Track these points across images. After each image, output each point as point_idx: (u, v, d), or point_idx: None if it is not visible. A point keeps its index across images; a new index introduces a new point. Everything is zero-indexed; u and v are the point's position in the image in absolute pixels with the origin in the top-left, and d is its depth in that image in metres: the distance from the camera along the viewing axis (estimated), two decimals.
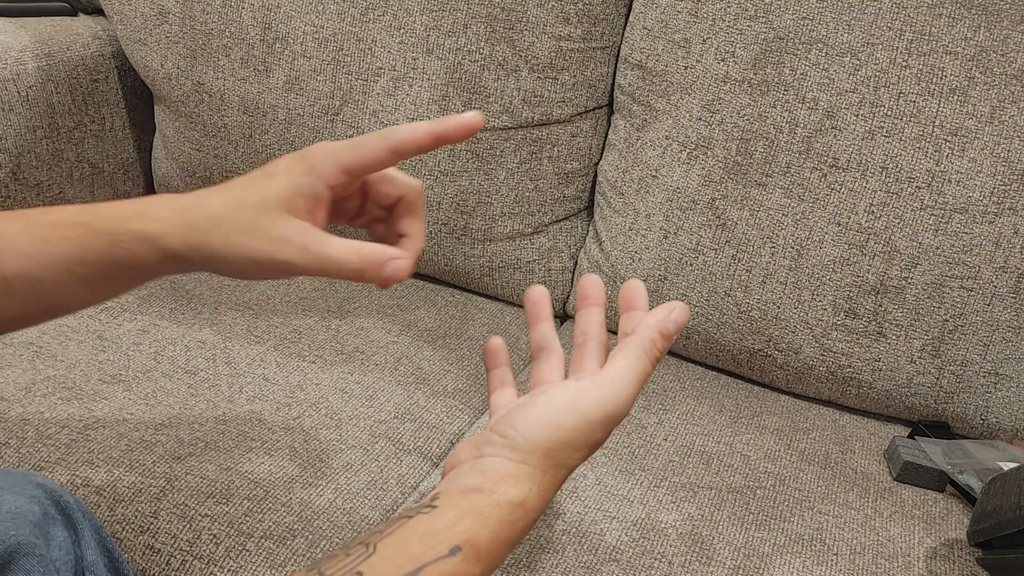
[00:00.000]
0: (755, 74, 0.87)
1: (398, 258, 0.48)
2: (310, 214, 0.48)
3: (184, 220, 0.47)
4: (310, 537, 0.65)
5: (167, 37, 1.04)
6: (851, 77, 0.84)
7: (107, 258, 0.47)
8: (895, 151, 0.83)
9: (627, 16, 0.97)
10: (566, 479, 0.46)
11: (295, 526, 0.66)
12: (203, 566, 0.62)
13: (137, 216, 0.47)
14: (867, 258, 0.85)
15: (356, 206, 0.53)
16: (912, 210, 0.84)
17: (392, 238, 0.53)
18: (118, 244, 0.47)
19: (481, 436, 0.47)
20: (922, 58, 0.82)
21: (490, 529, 0.41)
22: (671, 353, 1.00)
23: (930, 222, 0.83)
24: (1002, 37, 0.80)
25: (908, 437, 0.87)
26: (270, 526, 0.66)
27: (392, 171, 0.52)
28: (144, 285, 0.95)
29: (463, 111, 0.96)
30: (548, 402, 0.45)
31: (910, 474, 0.81)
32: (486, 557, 0.41)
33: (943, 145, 0.82)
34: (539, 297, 0.55)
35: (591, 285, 0.53)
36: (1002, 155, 0.81)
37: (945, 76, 0.82)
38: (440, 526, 0.40)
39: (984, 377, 0.86)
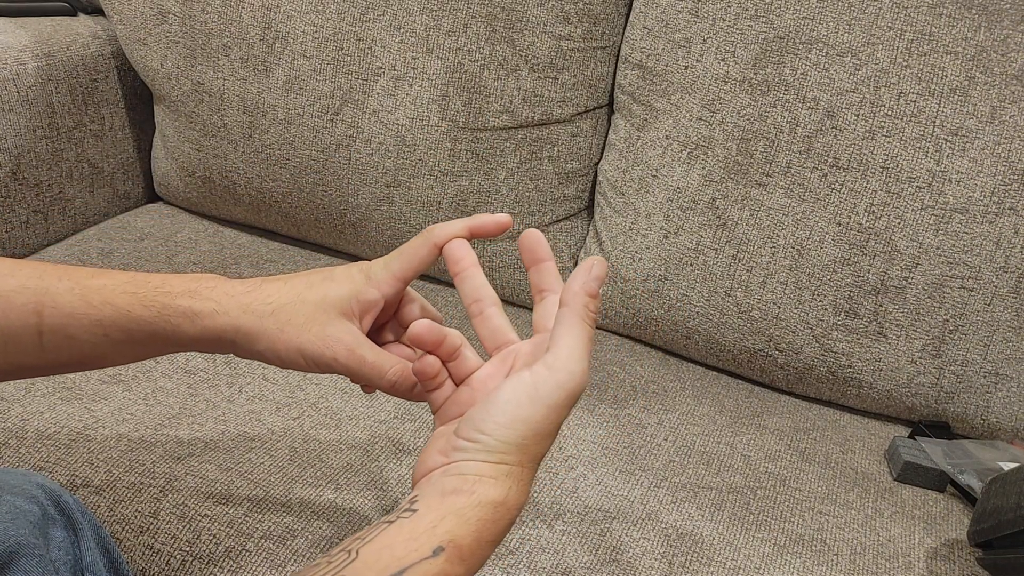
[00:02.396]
0: (755, 74, 0.87)
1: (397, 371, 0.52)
2: (360, 320, 0.52)
3: (238, 304, 0.50)
4: (310, 537, 0.65)
5: (167, 37, 1.04)
6: (851, 77, 0.84)
7: (148, 328, 0.50)
8: (895, 151, 0.83)
9: (627, 16, 0.97)
10: (537, 470, 0.46)
11: (295, 526, 0.66)
12: (203, 566, 0.62)
13: (187, 293, 0.50)
14: (867, 258, 0.85)
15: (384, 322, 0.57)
16: (912, 210, 0.83)
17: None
18: (163, 317, 0.50)
19: (447, 442, 0.46)
20: (922, 58, 0.82)
21: (472, 529, 0.41)
22: (671, 353, 1.00)
23: (930, 222, 0.83)
24: (1002, 37, 0.80)
25: (908, 437, 0.87)
26: (270, 526, 0.66)
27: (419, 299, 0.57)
28: None
29: (461, 111, 0.96)
30: (509, 399, 0.44)
31: (910, 474, 0.81)
32: (469, 557, 0.41)
33: (943, 145, 0.82)
34: (535, 238, 0.53)
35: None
36: (1002, 155, 0.81)
37: (945, 76, 0.82)
38: (422, 528, 0.40)
39: (984, 377, 0.86)
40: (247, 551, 0.64)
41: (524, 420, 0.44)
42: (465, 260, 0.54)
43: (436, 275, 1.07)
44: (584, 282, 0.46)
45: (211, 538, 0.64)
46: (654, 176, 0.94)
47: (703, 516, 0.73)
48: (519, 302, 1.06)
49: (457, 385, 0.52)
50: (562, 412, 0.44)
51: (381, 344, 0.56)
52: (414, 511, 0.42)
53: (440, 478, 0.44)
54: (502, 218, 0.55)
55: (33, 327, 0.49)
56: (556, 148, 0.99)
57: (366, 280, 0.53)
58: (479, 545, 0.41)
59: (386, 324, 0.57)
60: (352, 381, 0.53)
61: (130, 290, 0.50)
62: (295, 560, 0.64)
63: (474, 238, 0.56)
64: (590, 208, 1.05)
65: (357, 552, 0.39)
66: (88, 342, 0.50)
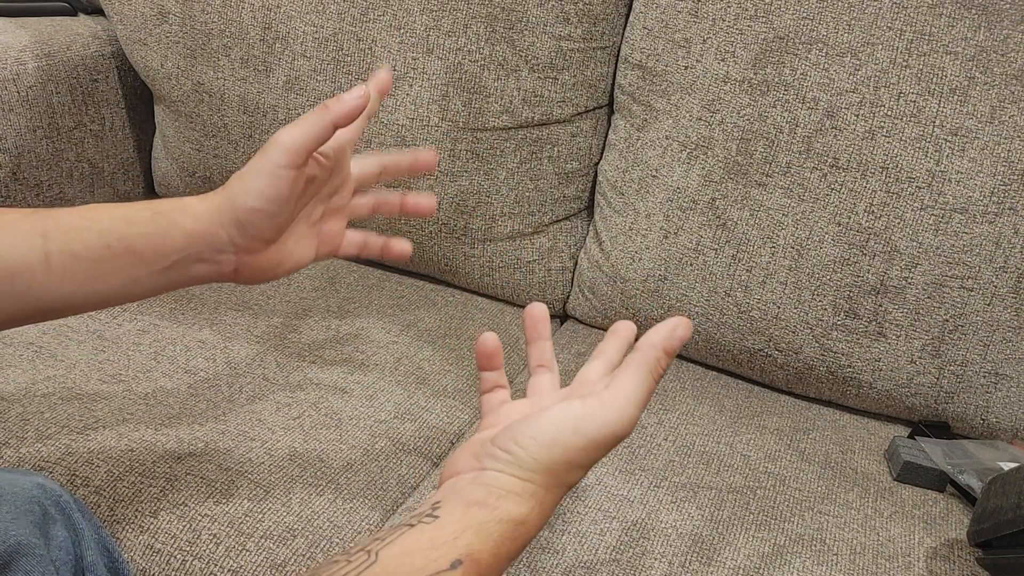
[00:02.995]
0: (755, 74, 0.87)
1: (354, 89, 0.54)
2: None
3: (210, 194, 0.54)
4: (310, 537, 0.65)
5: (167, 37, 1.04)
6: (851, 77, 0.84)
7: (147, 228, 0.52)
8: (895, 151, 0.83)
9: (627, 16, 0.97)
10: (563, 497, 0.46)
11: (295, 526, 0.66)
12: (203, 566, 0.62)
13: (173, 199, 0.54)
14: (867, 258, 0.85)
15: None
16: (912, 210, 0.84)
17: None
18: (160, 213, 0.53)
19: (481, 447, 0.46)
20: (922, 58, 0.82)
21: (492, 545, 0.41)
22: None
23: (930, 222, 0.83)
24: (1002, 37, 0.80)
25: (908, 437, 0.87)
26: (270, 526, 0.66)
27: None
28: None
29: (461, 111, 0.96)
30: (554, 421, 0.44)
31: (910, 474, 0.81)
32: (486, 572, 0.41)
33: (943, 145, 0.82)
34: (540, 315, 0.56)
35: (540, 319, 0.57)
36: (1002, 155, 0.81)
37: (945, 76, 0.82)
38: (443, 538, 0.40)
39: (984, 377, 0.86)
40: (247, 551, 0.64)
41: (562, 445, 0.44)
42: (540, 328, 0.57)
43: (437, 275, 1.07)
44: (666, 339, 0.47)
45: (211, 538, 0.64)
46: (654, 176, 0.94)
47: (703, 516, 0.73)
48: (519, 302, 1.06)
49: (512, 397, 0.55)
50: (601, 450, 0.45)
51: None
52: (436, 517, 0.42)
53: (467, 486, 0.44)
54: (423, 158, 0.61)
55: (39, 250, 0.50)
56: (556, 148, 0.99)
57: (265, 150, 0.55)
58: (496, 561, 0.41)
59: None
60: (305, 152, 0.53)
61: (128, 204, 0.54)
62: (295, 560, 0.64)
63: (385, 176, 0.63)
64: (590, 208, 1.05)
65: (377, 555, 0.39)
66: (92, 259, 0.51)
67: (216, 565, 0.62)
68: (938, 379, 0.87)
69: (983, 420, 0.87)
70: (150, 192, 1.21)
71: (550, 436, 0.44)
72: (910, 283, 0.85)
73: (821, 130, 0.85)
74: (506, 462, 0.44)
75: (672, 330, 0.47)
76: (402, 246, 0.66)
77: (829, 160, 0.85)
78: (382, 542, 0.40)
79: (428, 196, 0.65)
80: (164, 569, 0.63)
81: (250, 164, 0.53)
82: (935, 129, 0.82)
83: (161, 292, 0.55)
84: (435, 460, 0.79)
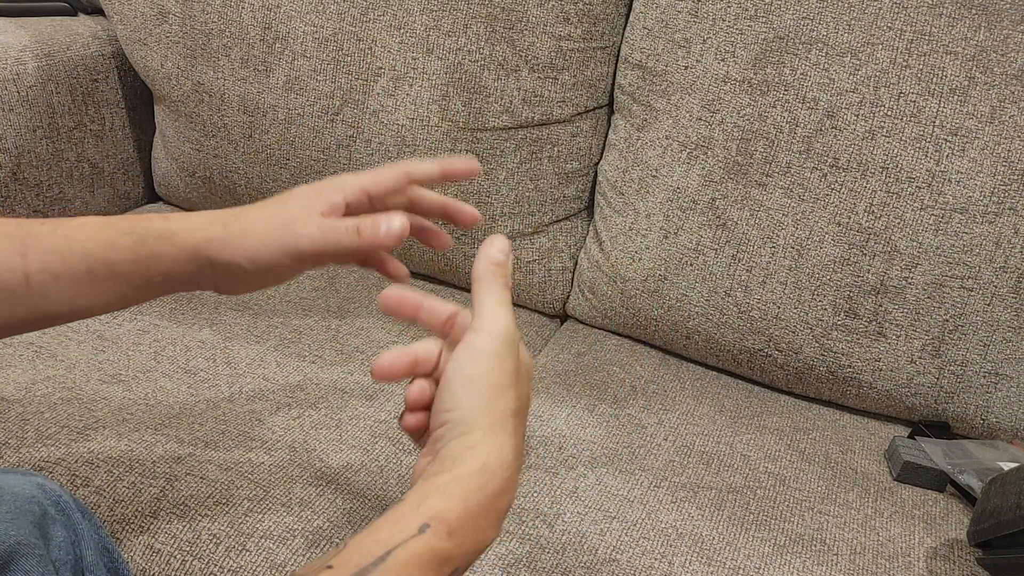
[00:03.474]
0: (755, 74, 0.87)
1: (391, 216, 0.53)
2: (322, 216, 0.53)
3: (208, 218, 0.53)
4: (310, 537, 0.66)
5: (167, 37, 1.04)
6: (851, 77, 0.84)
7: (130, 256, 0.52)
8: (895, 151, 0.83)
9: (627, 16, 0.97)
10: (524, 422, 0.46)
11: (295, 526, 0.66)
12: (203, 566, 0.62)
13: (162, 219, 0.53)
14: (867, 258, 0.85)
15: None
16: (912, 210, 0.83)
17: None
18: (143, 242, 0.52)
19: (428, 443, 0.46)
20: (922, 58, 0.82)
21: (457, 501, 0.41)
22: (671, 353, 1.00)
23: (930, 222, 0.83)
24: (1002, 37, 0.80)
25: (908, 437, 0.87)
26: (270, 526, 0.66)
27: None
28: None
29: (461, 111, 0.96)
30: (456, 369, 0.45)
31: (910, 474, 0.81)
32: (459, 529, 0.40)
33: (943, 145, 0.82)
34: (394, 301, 0.51)
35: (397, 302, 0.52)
36: (1002, 155, 0.81)
37: (945, 76, 0.82)
38: (406, 510, 0.40)
39: (984, 377, 0.86)
40: (247, 551, 0.64)
41: (473, 378, 0.44)
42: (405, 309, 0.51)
43: (437, 275, 1.07)
44: (486, 255, 0.49)
45: (211, 538, 0.64)
46: (654, 176, 0.94)
47: (703, 516, 0.73)
48: (519, 302, 1.06)
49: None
50: (506, 360, 0.45)
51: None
52: (401, 500, 0.42)
53: (425, 468, 0.44)
54: (471, 163, 0.59)
55: (20, 270, 0.50)
56: (556, 148, 0.99)
57: (331, 184, 0.55)
58: (469, 516, 0.41)
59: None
60: (319, 257, 0.53)
61: (110, 222, 0.53)
62: (295, 560, 0.64)
63: (445, 180, 0.59)
64: (590, 208, 1.05)
65: (346, 543, 0.39)
66: (72, 280, 0.51)
67: (216, 565, 0.62)
68: (938, 379, 0.87)
69: (983, 420, 0.87)
70: (150, 192, 1.21)
71: (460, 381, 0.44)
72: (910, 283, 0.85)
73: (821, 130, 0.85)
74: (448, 432, 0.44)
75: (489, 245, 0.49)
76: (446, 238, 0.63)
77: (829, 160, 0.85)
78: (353, 534, 0.40)
79: (470, 210, 0.62)
80: (164, 569, 0.63)
81: (263, 223, 0.52)
82: (935, 129, 0.82)
83: (149, 299, 0.55)
84: None
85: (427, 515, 0.40)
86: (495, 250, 0.49)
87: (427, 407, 0.48)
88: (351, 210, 0.54)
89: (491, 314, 0.46)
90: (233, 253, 0.52)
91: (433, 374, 0.49)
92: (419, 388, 0.48)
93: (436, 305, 0.50)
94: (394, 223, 0.52)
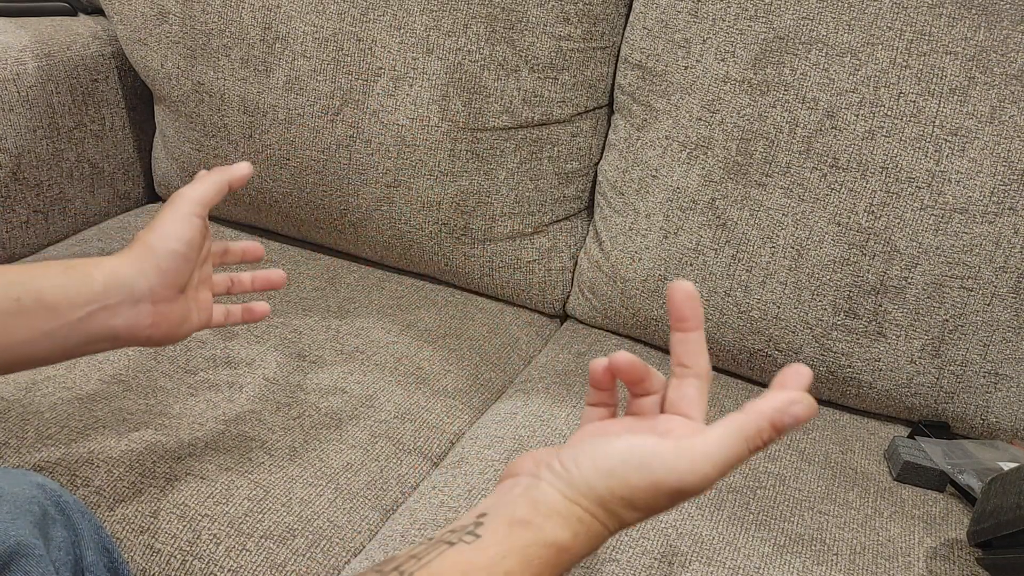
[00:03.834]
0: (755, 74, 0.87)
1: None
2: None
3: (123, 251, 0.58)
4: (310, 537, 0.66)
5: (167, 37, 1.04)
6: (851, 77, 0.84)
7: (59, 281, 0.55)
8: (895, 151, 0.83)
9: (627, 16, 0.97)
10: (615, 533, 0.43)
11: (295, 526, 0.66)
12: (203, 566, 0.62)
13: (93, 255, 0.59)
14: (867, 258, 0.85)
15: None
16: (912, 210, 0.84)
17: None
18: (71, 266, 0.55)
19: (547, 455, 0.44)
20: (922, 58, 0.82)
21: (532, 571, 0.39)
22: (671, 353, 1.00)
23: (930, 222, 0.83)
24: (1002, 37, 0.80)
25: (908, 437, 0.87)
26: (270, 526, 0.66)
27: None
28: None
29: (461, 111, 0.96)
30: (620, 451, 0.41)
31: (910, 474, 0.81)
32: None
33: (943, 145, 0.82)
34: (685, 295, 0.47)
35: (685, 300, 0.47)
36: (1002, 155, 0.81)
37: (945, 76, 0.82)
38: (482, 563, 0.38)
39: (984, 377, 0.86)
40: (247, 551, 0.64)
41: (620, 479, 0.40)
42: (690, 322, 0.47)
43: (436, 275, 1.07)
44: (778, 410, 0.41)
45: (211, 538, 0.64)
46: (654, 176, 0.94)
47: (703, 516, 0.73)
48: (519, 302, 1.06)
49: (611, 412, 0.51)
50: (663, 499, 0.41)
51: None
52: (477, 536, 0.40)
53: (515, 498, 0.42)
54: (239, 170, 0.65)
55: None
56: (556, 148, 0.99)
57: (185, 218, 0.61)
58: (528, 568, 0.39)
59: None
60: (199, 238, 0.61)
61: (42, 260, 0.56)
62: (295, 560, 0.64)
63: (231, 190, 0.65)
64: (590, 208, 1.05)
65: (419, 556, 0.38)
66: (3, 312, 0.52)
67: (216, 565, 0.62)
68: (938, 379, 0.87)
69: (983, 420, 0.87)
70: (150, 192, 1.21)
71: (609, 466, 0.41)
72: (910, 283, 0.85)
73: (821, 130, 0.85)
74: (560, 478, 0.42)
75: (788, 405, 0.41)
76: (262, 308, 0.71)
77: (829, 160, 0.85)
78: (418, 561, 0.38)
79: (277, 271, 0.72)
80: (164, 569, 0.63)
81: (160, 218, 0.60)
82: (935, 129, 0.82)
83: (77, 354, 0.56)
84: (435, 460, 0.79)
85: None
86: (791, 415, 0.42)
87: (636, 382, 0.48)
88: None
89: (705, 458, 0.41)
90: (164, 242, 0.59)
91: (645, 395, 0.48)
92: (630, 360, 0.47)
93: (659, 376, 0.49)
94: (243, 164, 0.65)
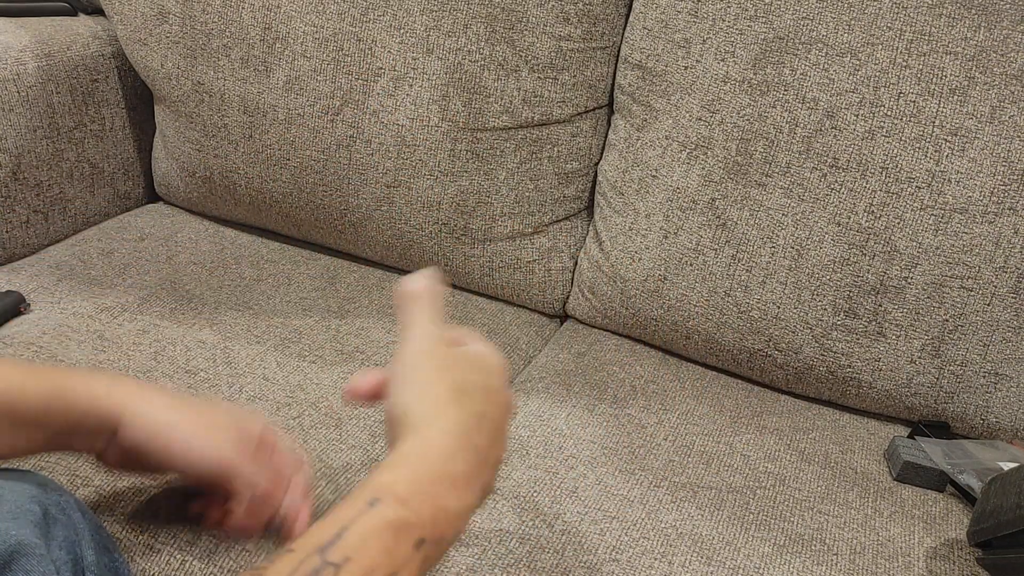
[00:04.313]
0: (755, 74, 0.87)
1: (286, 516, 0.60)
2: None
3: (133, 391, 0.56)
4: None
5: (167, 37, 1.04)
6: (851, 77, 0.84)
7: (39, 400, 0.53)
8: (895, 151, 0.83)
9: (627, 16, 0.97)
10: (474, 399, 0.47)
11: None
12: (203, 566, 0.62)
13: (87, 371, 0.56)
14: (867, 258, 0.85)
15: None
16: (912, 210, 0.84)
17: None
18: (58, 391, 0.54)
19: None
20: (922, 58, 0.82)
21: (404, 470, 0.42)
22: (671, 353, 1.00)
23: (930, 222, 0.83)
24: (1002, 37, 0.80)
25: (908, 437, 0.87)
26: None
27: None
28: (144, 285, 0.95)
29: (461, 111, 0.96)
30: (391, 379, 0.50)
31: (910, 474, 0.81)
32: (411, 497, 0.41)
33: (943, 145, 0.82)
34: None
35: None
36: (1002, 155, 0.81)
37: (945, 76, 0.82)
38: (356, 491, 0.41)
39: (984, 377, 0.86)
40: (247, 551, 0.64)
41: (402, 377, 0.48)
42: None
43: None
44: (400, 290, 0.53)
45: (211, 538, 0.64)
46: (654, 176, 0.94)
47: (703, 516, 0.73)
48: (519, 302, 1.06)
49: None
50: (430, 354, 0.49)
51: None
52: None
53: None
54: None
55: None
56: (556, 148, 0.99)
57: (251, 418, 0.60)
58: (418, 483, 0.42)
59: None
60: (217, 483, 0.57)
61: (25, 370, 0.54)
62: None
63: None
64: (590, 208, 1.05)
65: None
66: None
67: (216, 565, 0.62)
68: (938, 379, 0.87)
69: (983, 420, 0.87)
70: (150, 192, 1.21)
71: (394, 387, 0.49)
72: (910, 283, 0.85)
73: (821, 130, 0.85)
74: (391, 430, 0.47)
75: (405, 283, 0.53)
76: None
77: (829, 160, 0.85)
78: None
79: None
80: (164, 569, 0.63)
81: (185, 428, 0.56)
82: (935, 129, 0.82)
83: (33, 453, 0.57)
84: None
85: (375, 490, 0.41)
86: (409, 284, 0.53)
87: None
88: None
89: (407, 327, 0.51)
90: (142, 437, 0.55)
91: None
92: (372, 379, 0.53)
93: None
94: (299, 524, 0.60)
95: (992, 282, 0.83)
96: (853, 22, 0.84)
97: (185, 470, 0.57)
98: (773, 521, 0.74)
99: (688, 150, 0.91)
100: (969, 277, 0.83)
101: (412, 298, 0.53)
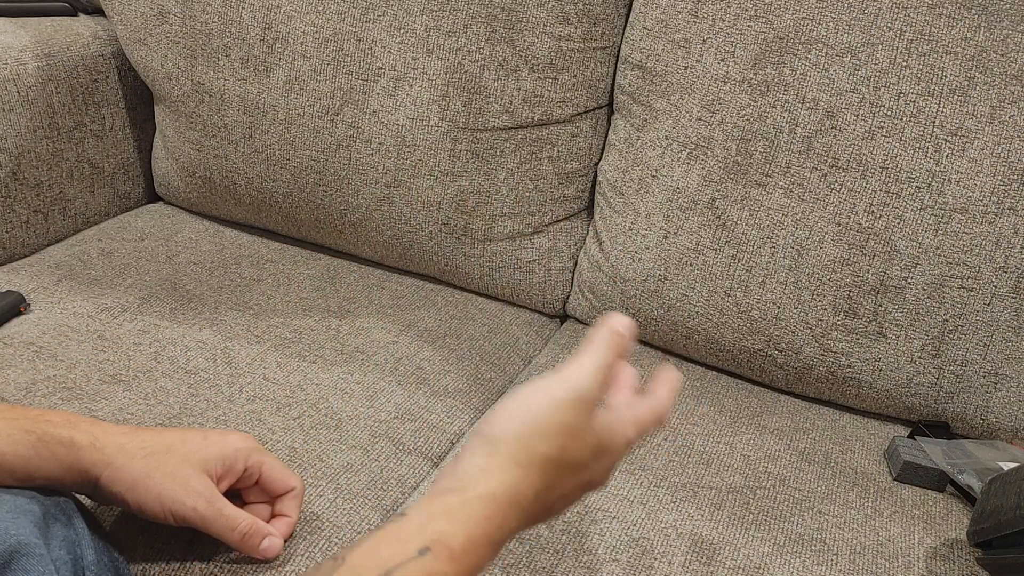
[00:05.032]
0: (755, 74, 0.87)
1: (273, 536, 0.60)
2: (219, 482, 0.58)
3: (115, 443, 0.56)
4: (310, 537, 0.65)
5: (167, 37, 1.04)
6: (851, 77, 0.84)
7: (24, 454, 0.54)
8: (895, 151, 0.83)
9: (627, 16, 0.97)
10: (566, 478, 0.44)
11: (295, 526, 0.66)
12: (203, 566, 0.62)
13: (67, 424, 0.55)
14: (867, 258, 0.85)
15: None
16: (912, 210, 0.84)
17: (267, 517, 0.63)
18: (43, 443, 0.54)
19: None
20: (922, 58, 0.82)
21: (462, 526, 0.40)
22: (671, 353, 1.00)
23: (930, 222, 0.83)
24: (1002, 37, 0.80)
25: (908, 437, 0.87)
26: None
27: (281, 468, 0.62)
28: (144, 285, 0.95)
29: (461, 111, 0.96)
30: (518, 393, 0.45)
31: (910, 474, 0.81)
32: (461, 556, 0.39)
33: (943, 145, 0.82)
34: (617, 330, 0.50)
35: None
36: (1002, 155, 0.81)
37: (945, 76, 0.82)
38: (408, 530, 0.39)
39: (984, 377, 0.86)
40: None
41: (524, 408, 0.44)
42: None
43: (437, 275, 1.07)
44: (608, 323, 0.48)
45: (211, 538, 0.64)
46: (654, 176, 0.94)
47: (703, 516, 0.73)
48: (519, 302, 1.06)
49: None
50: (565, 411, 0.44)
51: (243, 504, 0.62)
52: (403, 515, 0.41)
53: (438, 480, 0.43)
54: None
55: None
56: (556, 148, 0.99)
57: (235, 452, 0.59)
58: (472, 544, 0.40)
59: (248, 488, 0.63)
60: (202, 531, 0.58)
61: (11, 416, 0.54)
62: (295, 560, 0.64)
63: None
64: (590, 208, 1.05)
65: (344, 558, 0.39)
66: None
67: (216, 565, 0.62)
68: (938, 379, 0.87)
69: (983, 420, 0.87)
70: (150, 192, 1.21)
71: (513, 406, 0.44)
72: (910, 283, 0.85)
73: (821, 130, 0.85)
74: (477, 444, 0.44)
75: (614, 319, 0.49)
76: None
77: (829, 160, 0.85)
78: (352, 547, 0.39)
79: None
80: (164, 569, 0.63)
81: (160, 476, 0.56)
82: (935, 129, 0.82)
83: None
84: (435, 460, 0.79)
85: (429, 538, 0.39)
86: (618, 322, 0.49)
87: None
88: (245, 474, 0.60)
89: (578, 367, 0.46)
90: (123, 490, 0.55)
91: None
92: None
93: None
94: (274, 546, 0.60)
95: (992, 282, 0.83)
96: (853, 22, 0.84)
97: (164, 522, 0.57)
98: (773, 521, 0.74)
99: (688, 150, 0.91)
100: (969, 277, 0.83)
101: (601, 334, 0.48)
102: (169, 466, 0.56)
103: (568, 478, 0.45)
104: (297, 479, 0.63)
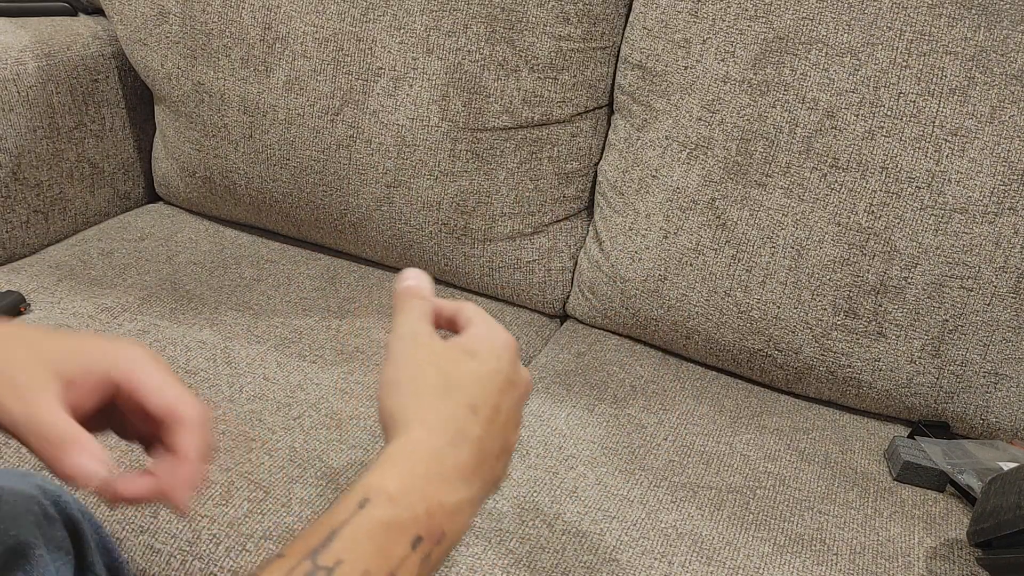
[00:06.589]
0: (755, 74, 0.87)
1: (94, 453, 0.42)
2: (71, 388, 0.43)
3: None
4: None
5: (167, 37, 1.04)
6: (851, 77, 0.84)
7: None
8: (895, 151, 0.83)
9: (627, 16, 0.97)
10: (464, 394, 0.46)
11: (295, 526, 0.66)
12: (203, 566, 0.62)
13: None
14: (867, 258, 0.85)
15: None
16: (912, 210, 0.84)
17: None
18: None
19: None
20: (922, 58, 0.82)
21: (390, 469, 0.41)
22: (671, 353, 1.00)
23: (930, 222, 0.83)
24: (1002, 37, 0.80)
25: (908, 437, 0.87)
26: (270, 526, 0.66)
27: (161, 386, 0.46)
28: (144, 285, 0.95)
29: (461, 111, 0.96)
30: (380, 384, 0.48)
31: (910, 474, 0.81)
32: (403, 495, 0.40)
33: (943, 145, 0.82)
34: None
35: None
36: (1002, 155, 0.81)
37: (945, 76, 0.82)
38: (348, 493, 0.40)
39: (984, 377, 0.86)
40: (247, 551, 0.64)
41: (392, 380, 0.46)
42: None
43: (437, 275, 1.07)
44: (397, 287, 0.52)
45: (211, 538, 0.64)
46: (654, 176, 0.94)
47: (703, 516, 0.73)
48: (519, 302, 1.06)
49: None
50: (417, 349, 0.47)
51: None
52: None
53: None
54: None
55: None
56: (556, 148, 0.99)
57: (103, 355, 0.45)
58: (410, 480, 0.41)
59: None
60: (16, 440, 0.43)
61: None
62: None
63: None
64: (590, 208, 1.05)
65: (299, 534, 0.40)
66: None
67: (216, 565, 0.62)
68: (938, 379, 0.87)
69: (983, 420, 0.87)
70: (150, 192, 1.21)
71: (384, 391, 0.46)
72: (910, 283, 0.85)
73: (821, 130, 0.85)
74: (385, 428, 0.46)
75: (402, 279, 0.52)
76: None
77: (829, 160, 0.85)
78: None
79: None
80: (164, 569, 0.63)
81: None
82: (935, 129, 0.82)
83: None
84: None
85: (364, 491, 0.40)
86: (405, 278, 0.53)
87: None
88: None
89: (394, 327, 0.49)
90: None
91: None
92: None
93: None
94: (88, 468, 0.42)
95: (992, 282, 0.83)
96: (853, 22, 0.84)
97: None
98: (773, 521, 0.74)
99: (688, 150, 0.91)
100: (969, 277, 0.83)
101: (401, 296, 0.51)
102: (3, 353, 0.43)
103: (466, 388, 0.46)
104: (191, 407, 0.45)
